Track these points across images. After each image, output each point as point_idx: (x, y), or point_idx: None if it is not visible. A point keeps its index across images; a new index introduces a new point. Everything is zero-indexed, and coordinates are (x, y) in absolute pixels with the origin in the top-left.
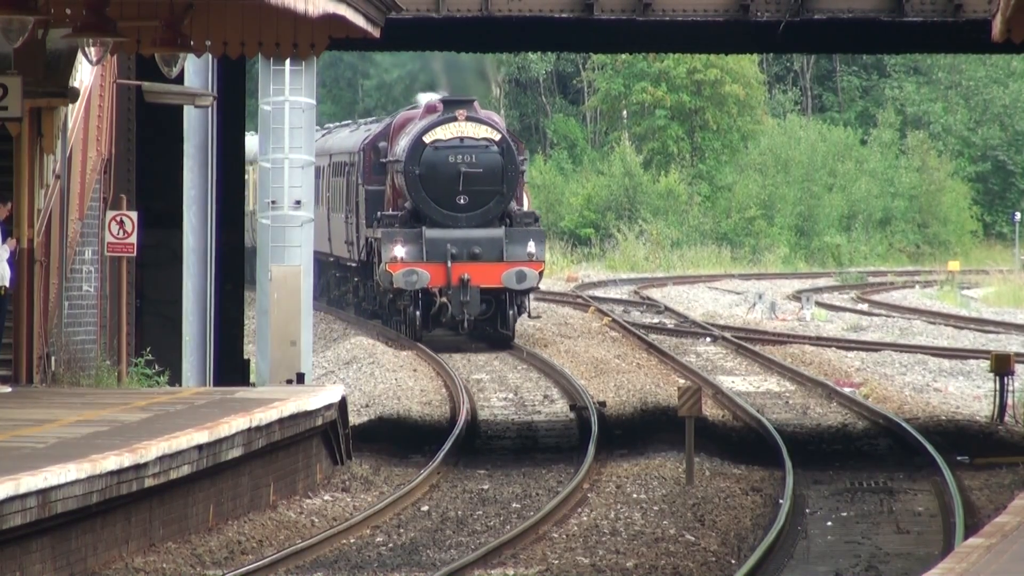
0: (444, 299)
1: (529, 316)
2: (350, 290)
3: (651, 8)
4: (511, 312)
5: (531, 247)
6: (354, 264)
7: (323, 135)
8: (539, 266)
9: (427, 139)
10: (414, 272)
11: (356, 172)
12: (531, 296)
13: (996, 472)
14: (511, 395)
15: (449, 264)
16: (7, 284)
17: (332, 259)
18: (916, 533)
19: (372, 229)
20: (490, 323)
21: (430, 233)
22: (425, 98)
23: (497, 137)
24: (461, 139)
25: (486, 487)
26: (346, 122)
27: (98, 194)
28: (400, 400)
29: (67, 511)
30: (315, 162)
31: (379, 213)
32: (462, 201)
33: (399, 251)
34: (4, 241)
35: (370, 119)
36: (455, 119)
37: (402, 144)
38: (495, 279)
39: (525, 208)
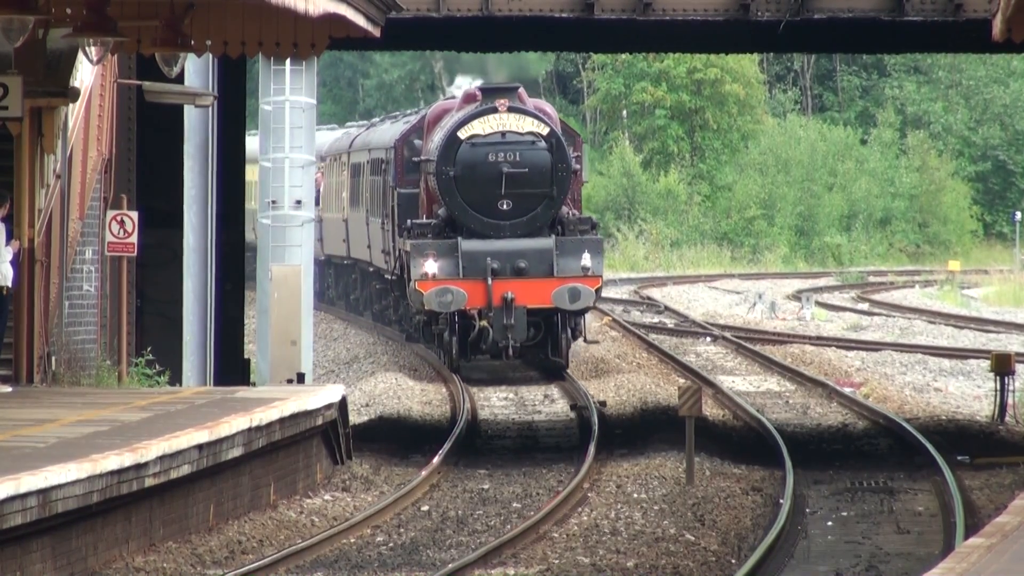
0: (484, 322)
1: (585, 340)
2: (390, 304)
3: (651, 8)
4: (563, 336)
5: (586, 259)
6: (391, 277)
7: (366, 129)
8: (596, 282)
9: (463, 134)
10: (448, 291)
11: (390, 172)
12: (586, 317)
13: (996, 472)
14: (511, 395)
15: (490, 281)
16: (9, 284)
17: (372, 269)
18: (916, 533)
19: (402, 239)
20: (539, 349)
21: (467, 245)
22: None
23: (545, 131)
24: (503, 134)
25: (486, 487)
26: (393, 113)
27: (98, 194)
28: (400, 400)
29: (67, 511)
30: (354, 159)
31: (409, 221)
32: (504, 207)
33: (430, 267)
34: (8, 242)
35: (411, 110)
36: (495, 110)
37: (435, 140)
38: (544, 298)
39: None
